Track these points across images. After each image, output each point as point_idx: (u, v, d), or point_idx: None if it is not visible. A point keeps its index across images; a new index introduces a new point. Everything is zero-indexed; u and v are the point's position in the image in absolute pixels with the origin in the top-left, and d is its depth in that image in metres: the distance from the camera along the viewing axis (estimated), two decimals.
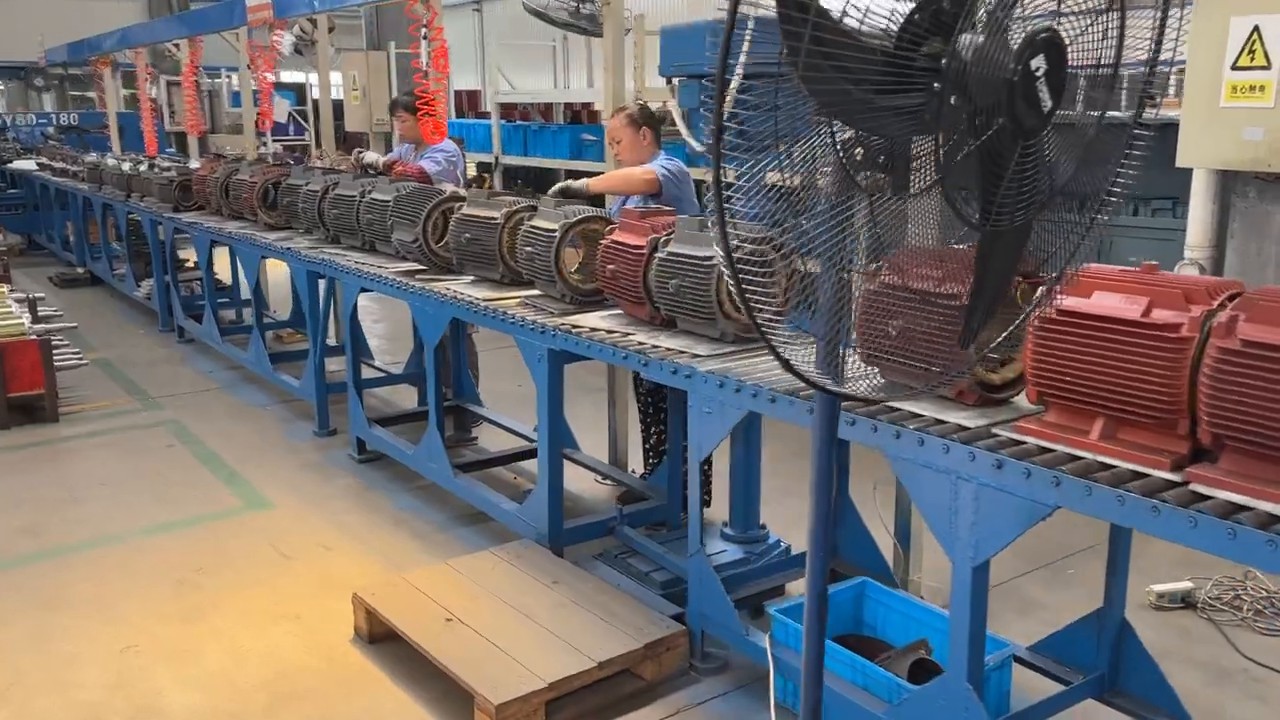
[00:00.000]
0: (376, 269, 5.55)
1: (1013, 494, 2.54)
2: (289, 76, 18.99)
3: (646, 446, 5.36)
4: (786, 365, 1.57)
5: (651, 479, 5.07)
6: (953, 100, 1.44)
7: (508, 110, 11.69)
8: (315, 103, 19.77)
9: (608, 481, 5.61)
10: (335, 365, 7.02)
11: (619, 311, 4.35)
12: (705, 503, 5.16)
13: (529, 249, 4.54)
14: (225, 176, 7.96)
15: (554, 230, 4.43)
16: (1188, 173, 5.87)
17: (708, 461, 5.14)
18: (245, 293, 9.45)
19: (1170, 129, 5.99)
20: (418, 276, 5.30)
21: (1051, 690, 3.26)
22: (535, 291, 4.80)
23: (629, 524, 4.64)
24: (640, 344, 3.86)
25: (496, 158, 10.99)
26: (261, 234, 7.05)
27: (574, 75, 12.11)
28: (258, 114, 9.29)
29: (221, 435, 6.53)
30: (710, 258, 3.68)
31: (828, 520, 2.02)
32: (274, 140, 16.02)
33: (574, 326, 4.17)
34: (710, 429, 3.48)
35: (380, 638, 3.98)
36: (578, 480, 5.63)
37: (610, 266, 4.15)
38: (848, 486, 4.04)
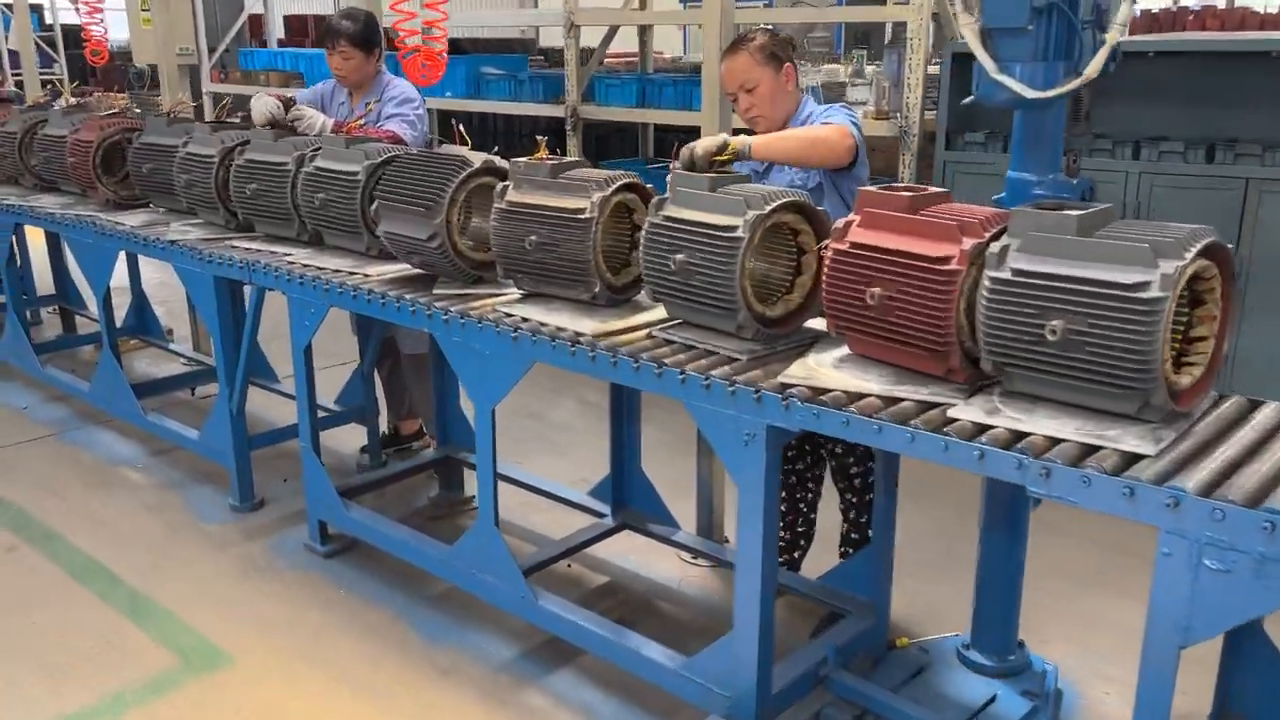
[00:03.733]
0: (350, 275, 3.68)
1: None
2: None
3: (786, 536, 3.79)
4: None
5: (840, 583, 3.50)
6: None
7: None
8: (63, 28, 16.37)
9: (700, 562, 4.04)
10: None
11: (846, 351, 2.78)
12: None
13: (680, 257, 2.85)
14: (25, 132, 5.63)
15: (736, 229, 2.77)
16: None
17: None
18: (45, 287, 7.11)
19: None
20: (438, 290, 3.48)
21: None
22: (660, 315, 3.14)
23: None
24: (987, 428, 2.31)
25: None
26: (108, 216, 4.88)
27: None
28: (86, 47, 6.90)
29: (90, 523, 4.37)
30: (1145, 284, 2.16)
31: None
32: None
33: (815, 389, 2.56)
34: (1221, 601, 1.99)
35: None
36: (638, 553, 4.06)
37: (874, 289, 2.55)
38: None
